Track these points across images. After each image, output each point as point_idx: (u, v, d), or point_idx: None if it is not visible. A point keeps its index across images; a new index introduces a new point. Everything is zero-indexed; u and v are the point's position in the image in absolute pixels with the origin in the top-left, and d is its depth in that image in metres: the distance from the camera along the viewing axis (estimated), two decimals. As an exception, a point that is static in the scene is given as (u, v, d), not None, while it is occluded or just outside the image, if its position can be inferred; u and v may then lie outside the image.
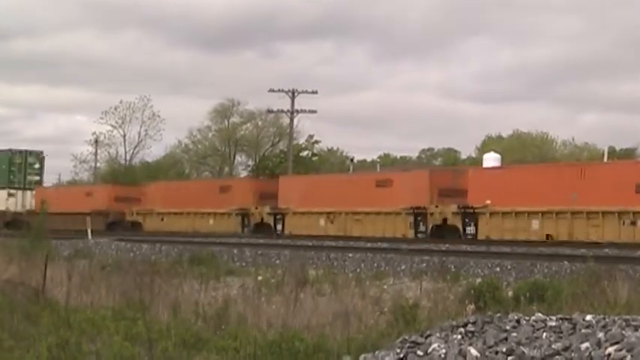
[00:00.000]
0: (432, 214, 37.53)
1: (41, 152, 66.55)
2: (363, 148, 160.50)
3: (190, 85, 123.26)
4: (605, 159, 42.39)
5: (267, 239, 36.22)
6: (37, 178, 63.35)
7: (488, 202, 35.73)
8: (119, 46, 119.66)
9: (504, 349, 6.12)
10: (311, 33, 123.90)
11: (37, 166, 63.33)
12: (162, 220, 52.64)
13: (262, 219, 46.37)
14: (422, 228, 38.18)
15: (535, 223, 34.38)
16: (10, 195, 61.82)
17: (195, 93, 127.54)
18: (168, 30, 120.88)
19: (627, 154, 69.21)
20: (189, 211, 50.84)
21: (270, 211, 45.92)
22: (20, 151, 63.79)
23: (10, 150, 63.95)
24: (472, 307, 13.46)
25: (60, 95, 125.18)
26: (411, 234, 37.98)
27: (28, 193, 62.09)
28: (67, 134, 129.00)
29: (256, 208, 46.71)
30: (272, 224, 45.63)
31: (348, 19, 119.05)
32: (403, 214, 38.78)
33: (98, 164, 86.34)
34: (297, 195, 44.67)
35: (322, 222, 42.87)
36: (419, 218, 38.19)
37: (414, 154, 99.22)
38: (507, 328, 6.63)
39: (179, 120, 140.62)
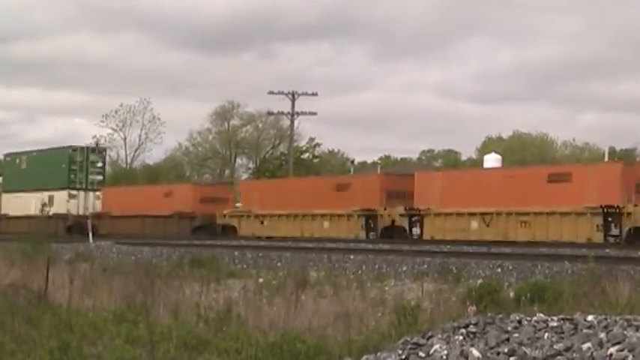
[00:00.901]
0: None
1: (104, 149, 62.03)
2: (362, 149, 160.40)
3: (189, 87, 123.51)
4: (606, 159, 42.37)
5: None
6: (100, 177, 57.17)
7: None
8: (117, 49, 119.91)
9: (506, 350, 6.12)
10: (309, 34, 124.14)
11: (99, 164, 57.22)
12: (263, 223, 45.67)
13: (393, 221, 39.65)
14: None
15: (474, 224, 36.56)
16: (70, 197, 55.48)
17: (194, 95, 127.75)
18: (165, 32, 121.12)
19: (627, 154, 69.19)
20: (296, 213, 43.93)
21: (404, 212, 39.28)
22: (82, 148, 57.60)
23: (70, 147, 57.81)
24: (473, 308, 13.46)
25: (58, 98, 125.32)
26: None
27: (91, 194, 55.98)
28: (66, 137, 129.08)
29: (385, 209, 39.88)
30: (406, 227, 39.26)
31: (347, 20, 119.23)
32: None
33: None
34: (439, 192, 38.45)
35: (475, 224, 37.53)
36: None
37: (415, 156, 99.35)
38: (509, 328, 6.64)
39: (178, 122, 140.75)
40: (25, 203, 57.64)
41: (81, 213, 54.47)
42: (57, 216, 53.60)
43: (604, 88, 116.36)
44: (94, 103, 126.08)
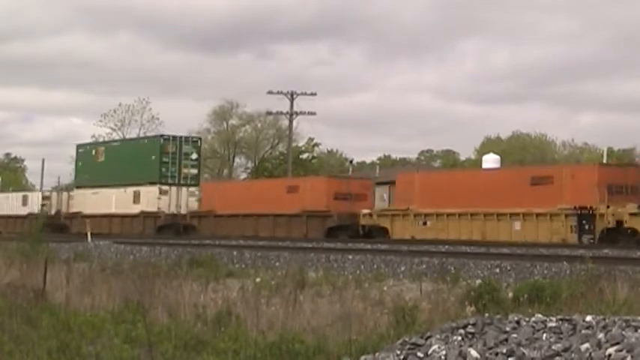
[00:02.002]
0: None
1: (199, 139, 54.30)
2: (360, 149, 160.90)
3: (186, 87, 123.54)
4: (605, 160, 42.42)
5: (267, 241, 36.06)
6: (195, 171, 50.61)
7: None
8: (114, 49, 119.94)
9: (504, 351, 6.12)
10: (306, 34, 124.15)
11: (194, 156, 50.50)
12: (425, 224, 38.25)
13: (621, 222, 32.61)
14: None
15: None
16: (162, 193, 48.58)
17: (191, 95, 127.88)
18: (162, 31, 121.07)
19: (625, 154, 69.21)
20: (474, 212, 36.63)
21: (638, 210, 32.38)
22: (174, 137, 50.73)
23: (161, 136, 51.63)
24: (472, 308, 13.47)
25: (55, 98, 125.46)
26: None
27: (184, 190, 49.00)
28: (63, 137, 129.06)
29: (608, 207, 32.97)
30: None
31: (343, 20, 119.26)
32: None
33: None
34: None
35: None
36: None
37: (413, 156, 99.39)
38: (507, 329, 6.64)
39: (175, 122, 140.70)
40: (103, 200, 51.59)
41: (173, 211, 48.26)
42: (145, 214, 48.69)
43: (601, 88, 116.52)
44: (91, 102, 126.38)
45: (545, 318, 6.86)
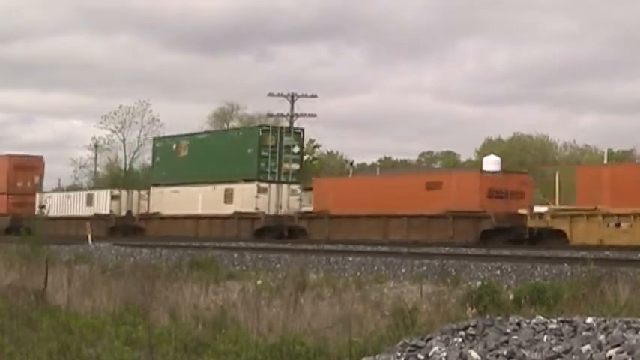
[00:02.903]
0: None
1: (301, 130, 47.61)
2: (361, 150, 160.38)
3: (185, 89, 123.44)
4: (605, 161, 42.35)
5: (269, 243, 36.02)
6: (297, 167, 44.98)
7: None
8: (114, 50, 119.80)
9: (505, 352, 6.12)
10: (306, 35, 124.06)
11: (296, 149, 44.99)
12: (618, 226, 31.58)
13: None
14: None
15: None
16: (260, 191, 42.94)
17: (191, 96, 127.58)
18: (162, 33, 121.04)
19: (625, 156, 69.17)
20: None
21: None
22: (274, 128, 45.91)
23: (259, 127, 46.61)
24: (472, 310, 13.46)
25: (55, 99, 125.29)
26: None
27: (285, 188, 43.60)
28: (63, 139, 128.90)
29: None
30: None
31: (343, 21, 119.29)
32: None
33: (98, 169, 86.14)
34: None
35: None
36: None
37: (414, 158, 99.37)
38: (508, 330, 6.63)
39: (175, 123, 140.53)
40: (187, 200, 46.01)
41: (275, 212, 43.01)
42: (239, 216, 43.35)
43: (602, 89, 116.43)
44: (91, 104, 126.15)
45: (545, 319, 6.86)
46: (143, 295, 15.23)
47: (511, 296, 15.00)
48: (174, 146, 48.79)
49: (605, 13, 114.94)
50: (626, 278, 15.84)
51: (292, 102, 69.80)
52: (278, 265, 23.66)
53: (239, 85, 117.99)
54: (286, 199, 43.33)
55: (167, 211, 47.68)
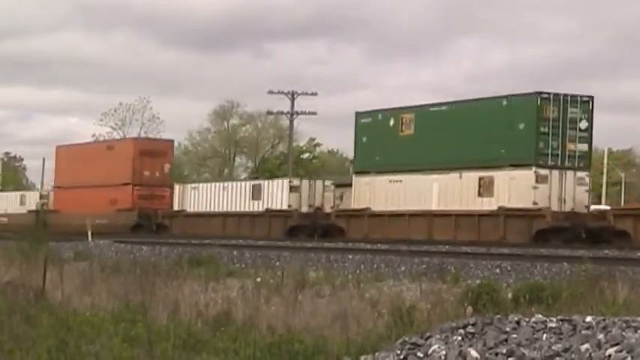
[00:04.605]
0: None
1: (590, 98, 34.07)
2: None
3: (184, 86, 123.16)
4: (605, 160, 42.41)
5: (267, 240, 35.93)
6: (585, 147, 33.74)
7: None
8: (111, 47, 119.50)
9: (504, 351, 6.12)
10: (304, 33, 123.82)
11: (583, 124, 33.32)
12: None
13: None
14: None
15: None
16: (539, 180, 32.26)
17: (189, 94, 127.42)
18: (159, 30, 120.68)
19: (624, 155, 69.16)
20: None
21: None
22: (555, 97, 33.21)
23: (537, 93, 33.14)
24: (471, 309, 13.45)
25: (53, 96, 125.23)
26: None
27: (570, 175, 32.92)
28: (61, 135, 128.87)
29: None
30: None
31: (340, 19, 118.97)
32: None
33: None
34: None
35: None
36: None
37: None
38: (507, 329, 6.63)
39: (173, 121, 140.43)
40: (414, 191, 35.67)
41: (567, 209, 32.50)
42: (506, 213, 32.54)
43: (601, 88, 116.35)
44: (88, 101, 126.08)
45: (545, 318, 6.86)
46: (142, 293, 15.22)
47: (510, 295, 15.00)
48: (392, 122, 38.00)
49: (605, 13, 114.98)
50: (625, 277, 15.84)
51: (292, 100, 69.67)
52: (277, 263, 23.63)
53: (237, 83, 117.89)
54: (572, 190, 32.92)
55: (380, 206, 37.12)
